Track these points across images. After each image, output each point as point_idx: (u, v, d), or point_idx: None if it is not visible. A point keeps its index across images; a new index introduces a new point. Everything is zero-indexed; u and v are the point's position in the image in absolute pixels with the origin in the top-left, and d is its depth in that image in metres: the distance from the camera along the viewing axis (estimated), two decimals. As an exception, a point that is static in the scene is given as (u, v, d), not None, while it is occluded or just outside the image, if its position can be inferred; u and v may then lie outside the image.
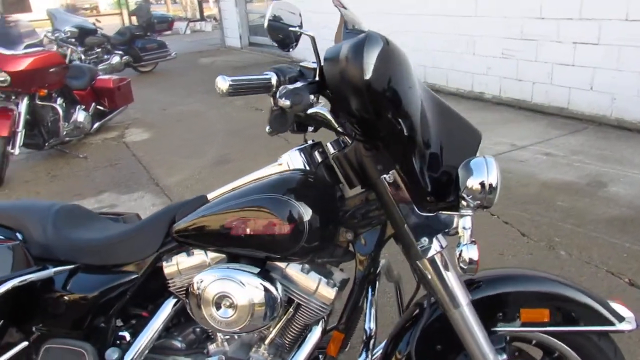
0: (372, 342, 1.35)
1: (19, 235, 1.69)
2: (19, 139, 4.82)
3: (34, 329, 1.59)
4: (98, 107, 6.04)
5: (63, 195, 4.45)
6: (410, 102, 1.17)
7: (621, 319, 1.30)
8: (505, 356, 1.29)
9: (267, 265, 1.42)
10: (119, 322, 1.59)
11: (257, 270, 1.36)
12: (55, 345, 1.50)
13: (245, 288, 1.32)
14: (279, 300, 1.33)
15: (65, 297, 1.54)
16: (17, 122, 4.80)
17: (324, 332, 1.44)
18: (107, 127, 6.41)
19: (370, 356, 1.34)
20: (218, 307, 1.34)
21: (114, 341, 1.57)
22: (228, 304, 1.33)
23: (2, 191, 4.65)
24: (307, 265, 1.41)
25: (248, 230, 1.32)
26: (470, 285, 1.37)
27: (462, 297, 1.26)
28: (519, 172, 4.00)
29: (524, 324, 1.30)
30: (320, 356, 1.50)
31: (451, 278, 1.26)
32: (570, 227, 3.08)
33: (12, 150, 4.77)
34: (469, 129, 1.30)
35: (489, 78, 6.31)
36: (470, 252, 1.16)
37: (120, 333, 1.57)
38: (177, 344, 1.56)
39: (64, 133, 5.42)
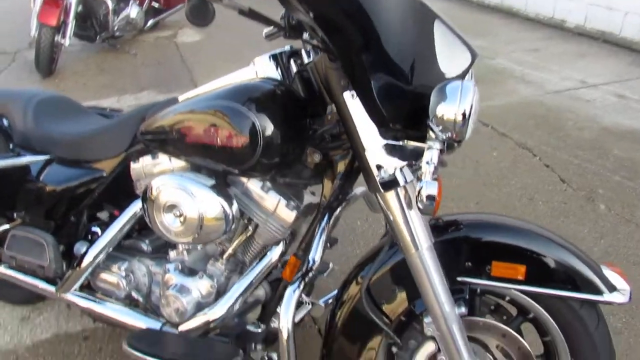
0: (310, 274, 1.24)
1: (4, 122, 1.69)
2: (70, 29, 4.87)
3: (15, 215, 1.63)
4: (153, 4, 5.99)
5: (108, 88, 4.54)
6: (371, 8, 0.98)
7: (612, 289, 1.13)
8: (463, 309, 1.16)
9: (228, 179, 1.34)
10: (91, 219, 1.59)
11: (211, 182, 1.28)
12: (20, 232, 1.54)
13: (195, 199, 1.24)
14: (230, 216, 1.26)
15: (39, 187, 1.55)
16: (68, 13, 4.84)
17: (284, 254, 1.36)
18: (162, 25, 6.35)
19: (301, 287, 1.24)
20: (169, 216, 1.29)
21: (84, 236, 1.58)
22: (178, 213, 1.27)
23: (52, 81, 4.81)
24: (268, 184, 1.31)
25: (203, 138, 1.23)
26: (443, 228, 1.24)
27: (423, 240, 1.13)
28: (580, 112, 3.59)
29: (493, 278, 1.16)
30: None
31: (413, 217, 1.12)
32: (619, 179, 2.76)
33: (63, 41, 4.86)
34: (459, 47, 1.10)
35: (574, 4, 5.60)
36: (429, 190, 1.00)
37: (92, 229, 1.58)
38: (144, 246, 1.55)
39: (115, 27, 5.43)
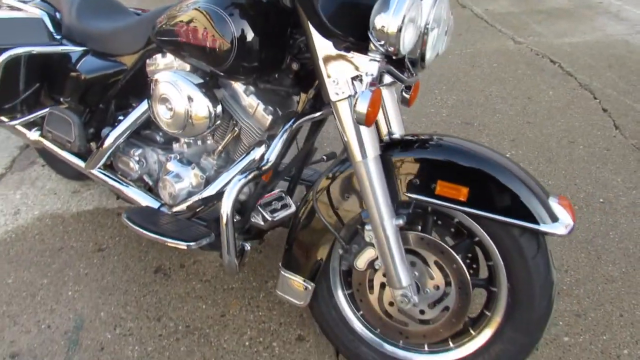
0: (261, 171, 1.33)
1: (57, 15, 1.90)
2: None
3: (55, 97, 1.87)
4: None
5: None
6: None
7: (554, 219, 1.11)
8: (401, 221, 1.20)
9: (219, 82, 1.43)
10: (117, 108, 1.79)
11: (200, 81, 1.38)
12: (56, 112, 1.77)
13: (182, 94, 1.36)
14: (212, 114, 1.37)
15: (75, 75, 1.75)
16: None
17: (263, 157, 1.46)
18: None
19: (248, 177, 1.31)
20: (162, 107, 1.43)
21: (110, 122, 1.79)
22: (169, 106, 1.41)
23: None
24: (251, 88, 1.40)
25: (190, 38, 1.32)
26: (399, 144, 1.26)
27: (370, 150, 1.17)
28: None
29: (437, 197, 1.18)
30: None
31: (363, 127, 1.16)
32: (682, 134, 2.50)
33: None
34: None
35: None
36: (361, 101, 1.03)
37: (117, 116, 1.78)
38: (157, 137, 1.72)
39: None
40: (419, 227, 1.30)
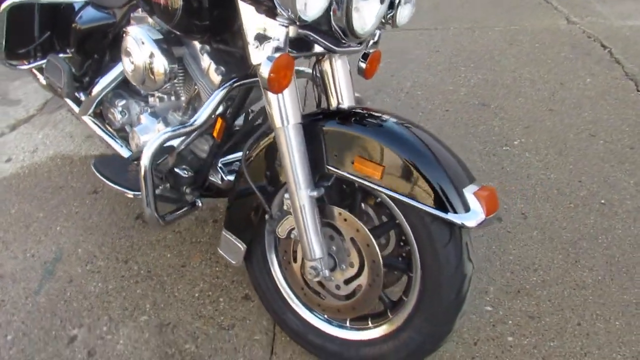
0: (189, 127, 1.32)
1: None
2: None
3: (65, 48, 1.99)
4: None
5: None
6: None
7: (466, 209, 1.05)
8: (315, 193, 1.17)
9: (182, 40, 1.45)
10: (110, 60, 1.86)
11: (159, 37, 1.41)
12: (52, 59, 1.87)
13: (141, 49, 1.40)
14: (167, 70, 1.39)
15: (74, 25, 1.84)
16: None
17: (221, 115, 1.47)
18: None
19: (166, 135, 1.30)
20: (127, 60, 1.48)
21: (102, 72, 1.87)
22: (131, 59, 1.45)
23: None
24: (207, 47, 1.40)
25: None
26: (335, 114, 1.23)
27: (291, 116, 1.14)
28: None
29: (354, 173, 1.14)
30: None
31: (285, 94, 1.14)
32: None
33: None
34: None
35: None
36: (264, 67, 1.01)
37: (107, 67, 1.85)
38: (140, 90, 1.78)
39: None
40: (348, 203, 1.27)
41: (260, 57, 1.11)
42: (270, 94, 1.15)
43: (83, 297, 1.64)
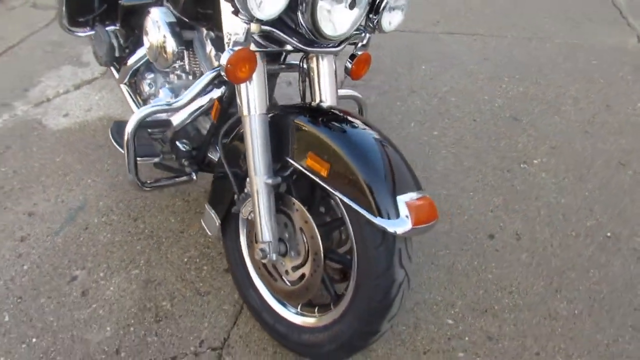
0: (172, 105, 1.40)
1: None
2: None
3: (114, 21, 2.18)
4: None
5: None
6: None
7: (396, 216, 1.07)
8: (270, 180, 1.21)
9: (194, 25, 1.57)
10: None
11: (172, 20, 1.53)
12: (98, 30, 2.05)
13: (155, 28, 1.52)
14: (174, 51, 1.51)
15: (123, 1, 2.02)
16: None
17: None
18: None
19: (145, 112, 1.39)
20: (145, 37, 1.61)
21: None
22: (148, 38, 1.59)
23: None
24: (211, 34, 1.50)
25: None
26: (309, 110, 1.28)
27: (258, 106, 1.20)
28: None
29: (305, 167, 1.19)
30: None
31: (254, 84, 1.21)
32: None
33: None
34: None
35: None
36: (223, 58, 1.09)
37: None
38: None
39: None
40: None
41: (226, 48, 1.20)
42: (241, 85, 1.23)
43: (92, 244, 1.83)
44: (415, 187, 1.13)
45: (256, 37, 1.16)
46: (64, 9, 2.15)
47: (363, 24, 1.28)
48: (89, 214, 1.96)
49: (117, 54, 2.01)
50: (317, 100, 1.34)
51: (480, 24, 3.39)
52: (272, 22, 1.14)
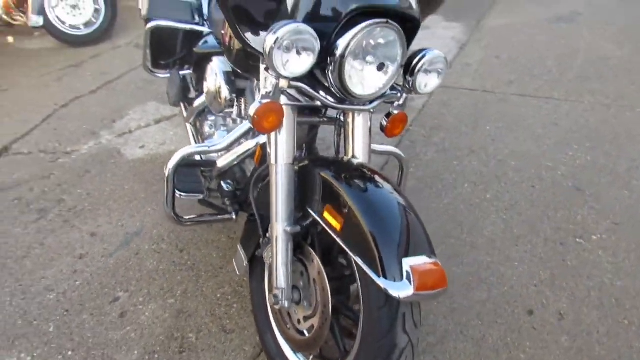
0: (210, 148, 1.51)
1: (203, 2, 2.40)
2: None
3: (189, 65, 2.39)
4: None
5: None
6: None
7: (399, 279, 1.05)
8: (289, 228, 1.23)
9: (249, 77, 1.68)
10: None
11: (228, 69, 1.66)
12: (173, 73, 2.25)
13: (212, 75, 1.66)
14: (225, 98, 1.62)
15: (195, 49, 2.21)
16: None
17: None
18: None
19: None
20: (205, 83, 1.75)
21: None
22: (207, 84, 1.72)
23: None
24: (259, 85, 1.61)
25: (220, 33, 1.61)
26: (337, 164, 1.31)
27: (285, 157, 1.25)
28: None
29: (322, 219, 1.21)
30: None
31: (283, 135, 1.26)
32: None
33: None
34: None
35: None
36: (251, 109, 1.15)
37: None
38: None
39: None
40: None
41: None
42: (271, 135, 1.29)
43: (139, 269, 1.96)
44: (426, 252, 1.11)
45: (288, 91, 1.23)
46: (148, 51, 2.39)
47: (400, 83, 1.31)
48: (142, 240, 2.11)
49: (185, 96, 2.19)
50: (350, 155, 1.37)
51: (555, 87, 3.27)
52: (303, 77, 1.21)
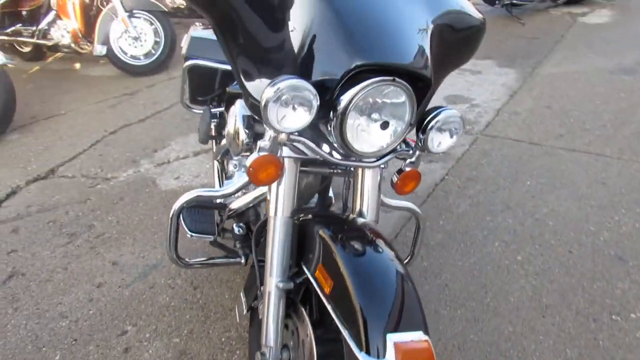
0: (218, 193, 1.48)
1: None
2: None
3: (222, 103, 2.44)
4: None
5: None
6: None
7: (381, 355, 0.97)
8: (282, 284, 1.19)
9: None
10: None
11: (248, 114, 1.66)
12: (205, 110, 2.29)
13: (232, 119, 1.67)
14: (242, 142, 1.62)
15: (227, 88, 2.25)
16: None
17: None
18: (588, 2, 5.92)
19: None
20: (227, 125, 1.76)
21: None
22: (228, 126, 1.73)
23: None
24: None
25: None
26: (339, 221, 1.27)
27: (285, 209, 1.22)
28: None
29: (314, 278, 1.15)
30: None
31: (284, 187, 1.23)
32: None
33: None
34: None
35: None
36: (248, 160, 1.14)
37: None
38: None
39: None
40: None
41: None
42: (273, 186, 1.27)
43: (151, 303, 1.97)
44: (416, 328, 1.03)
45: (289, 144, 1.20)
46: (186, 87, 2.47)
47: (414, 139, 1.26)
48: (159, 273, 2.12)
49: (219, 133, 2.23)
50: (357, 212, 1.33)
51: (608, 143, 3.07)
52: (307, 130, 1.18)
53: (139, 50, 4.48)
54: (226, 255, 1.76)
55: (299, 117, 1.10)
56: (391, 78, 1.10)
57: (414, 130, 1.25)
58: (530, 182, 2.65)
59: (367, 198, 1.32)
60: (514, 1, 5.62)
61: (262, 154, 1.15)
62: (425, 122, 1.22)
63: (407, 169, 1.31)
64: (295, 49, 1.14)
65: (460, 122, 1.25)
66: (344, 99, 1.09)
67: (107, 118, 3.69)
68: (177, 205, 1.49)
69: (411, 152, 1.28)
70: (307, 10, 1.13)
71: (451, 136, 1.25)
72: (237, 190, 1.48)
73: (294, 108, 1.07)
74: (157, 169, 2.98)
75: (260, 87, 1.21)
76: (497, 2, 5.60)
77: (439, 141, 1.25)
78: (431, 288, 1.98)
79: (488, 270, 2.06)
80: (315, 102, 1.07)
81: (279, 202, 1.25)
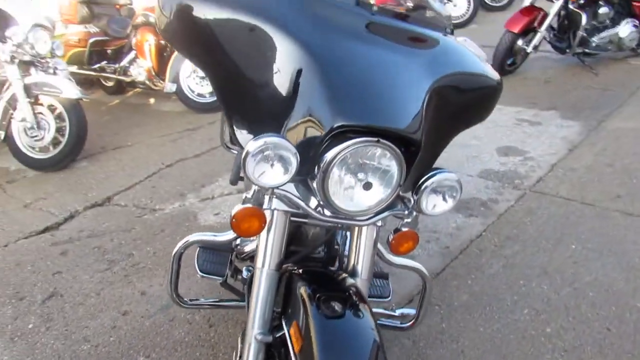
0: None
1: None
2: (537, 38, 5.11)
3: None
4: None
5: (521, 98, 4.63)
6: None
7: None
8: (261, 337, 1.18)
9: None
10: None
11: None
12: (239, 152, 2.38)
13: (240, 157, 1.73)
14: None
15: None
16: (541, 22, 5.06)
17: None
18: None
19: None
20: None
21: None
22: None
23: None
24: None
25: None
26: (328, 279, 1.27)
27: (271, 262, 1.23)
28: None
29: (289, 334, 1.14)
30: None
31: (273, 239, 1.24)
32: None
33: (526, 47, 5.16)
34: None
35: None
36: (233, 210, 1.16)
37: None
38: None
39: (594, 44, 5.25)
40: None
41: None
42: (262, 237, 1.28)
43: (167, 337, 2.03)
44: None
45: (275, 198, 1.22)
46: (225, 128, 2.57)
47: (410, 198, 1.23)
48: (176, 309, 2.18)
49: (243, 175, 2.30)
50: (350, 268, 1.31)
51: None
52: (297, 185, 1.19)
53: (205, 88, 4.75)
54: (233, 299, 1.79)
55: (277, 175, 1.11)
56: (375, 139, 1.09)
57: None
58: (575, 245, 2.46)
59: (361, 256, 1.30)
60: (587, 50, 5.36)
61: (246, 205, 1.18)
62: (420, 183, 1.19)
63: (404, 229, 1.28)
64: (281, 103, 1.17)
65: (457, 186, 1.21)
66: (327, 156, 1.10)
67: (167, 151, 3.92)
68: (177, 246, 1.55)
69: (407, 212, 1.25)
70: (294, 65, 1.16)
71: (444, 199, 1.22)
72: (237, 237, 1.52)
73: (272, 165, 1.09)
74: (201, 203, 3.11)
75: (245, 139, 1.25)
76: (567, 50, 5.36)
77: (433, 204, 1.22)
78: (445, 353, 1.88)
79: (511, 339, 1.92)
80: (295, 161, 1.09)
81: (267, 254, 1.26)
